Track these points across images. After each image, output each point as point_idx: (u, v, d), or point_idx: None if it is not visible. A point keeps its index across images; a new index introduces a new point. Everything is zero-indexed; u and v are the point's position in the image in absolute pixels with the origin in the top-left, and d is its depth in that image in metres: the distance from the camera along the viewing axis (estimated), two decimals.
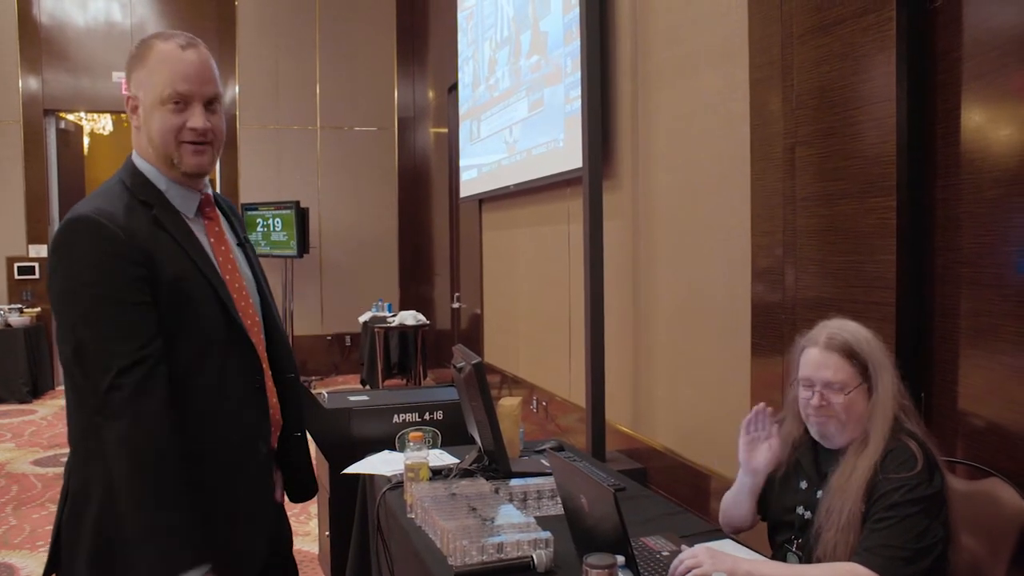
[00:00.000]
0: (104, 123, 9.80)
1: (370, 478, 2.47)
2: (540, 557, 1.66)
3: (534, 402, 4.84)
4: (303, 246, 7.51)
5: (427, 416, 3.06)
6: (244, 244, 1.71)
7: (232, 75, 8.17)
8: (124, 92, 1.58)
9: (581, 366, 3.70)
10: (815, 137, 2.34)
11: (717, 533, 1.88)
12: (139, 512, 1.38)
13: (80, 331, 1.39)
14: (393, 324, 7.09)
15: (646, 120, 3.46)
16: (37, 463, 5.40)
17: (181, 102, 1.50)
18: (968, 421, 1.93)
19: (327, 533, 3.13)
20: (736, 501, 1.86)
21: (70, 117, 8.28)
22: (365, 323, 7.37)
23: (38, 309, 7.68)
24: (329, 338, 8.46)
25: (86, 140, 9.41)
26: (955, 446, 1.95)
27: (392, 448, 2.71)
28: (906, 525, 1.48)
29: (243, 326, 1.55)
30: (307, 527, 4.12)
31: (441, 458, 2.50)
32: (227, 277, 1.58)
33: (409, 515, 2.03)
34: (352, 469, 2.50)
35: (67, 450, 1.54)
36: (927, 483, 1.50)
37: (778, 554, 1.75)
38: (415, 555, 1.84)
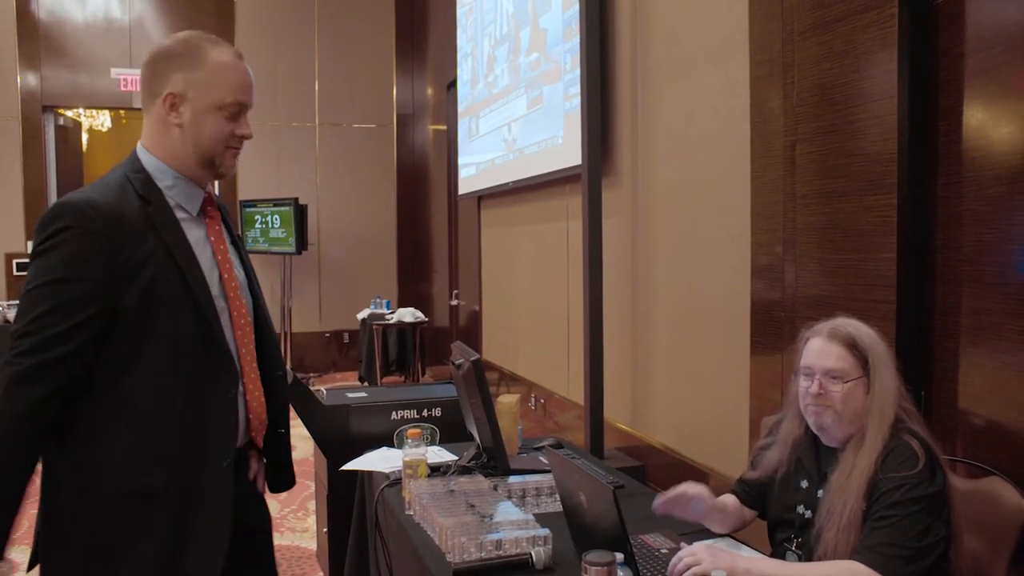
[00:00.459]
0: (103, 119, 9.76)
1: (368, 475, 2.47)
2: (539, 554, 1.66)
3: (532, 399, 4.84)
4: (301, 243, 7.50)
5: (425, 413, 3.06)
6: (236, 242, 1.75)
7: None
8: (155, 87, 1.57)
9: (580, 363, 3.70)
10: (816, 134, 2.33)
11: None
12: None
13: (31, 297, 1.47)
14: (392, 321, 7.08)
15: (646, 117, 3.45)
16: None
17: (238, 111, 1.59)
18: (968, 420, 1.92)
19: (325, 530, 3.13)
20: (710, 522, 1.85)
21: (69, 113, 8.25)
22: (363, 320, 7.36)
23: None
24: (327, 335, 8.45)
25: (84, 136, 9.38)
26: (955, 445, 1.94)
27: (390, 445, 2.71)
28: (907, 524, 1.47)
29: (222, 336, 1.57)
30: (305, 523, 4.11)
31: (439, 455, 2.50)
32: (225, 276, 1.62)
33: (407, 512, 2.03)
34: (350, 466, 2.50)
35: None
36: (928, 482, 1.50)
37: (777, 553, 1.74)
38: (413, 552, 1.84)
